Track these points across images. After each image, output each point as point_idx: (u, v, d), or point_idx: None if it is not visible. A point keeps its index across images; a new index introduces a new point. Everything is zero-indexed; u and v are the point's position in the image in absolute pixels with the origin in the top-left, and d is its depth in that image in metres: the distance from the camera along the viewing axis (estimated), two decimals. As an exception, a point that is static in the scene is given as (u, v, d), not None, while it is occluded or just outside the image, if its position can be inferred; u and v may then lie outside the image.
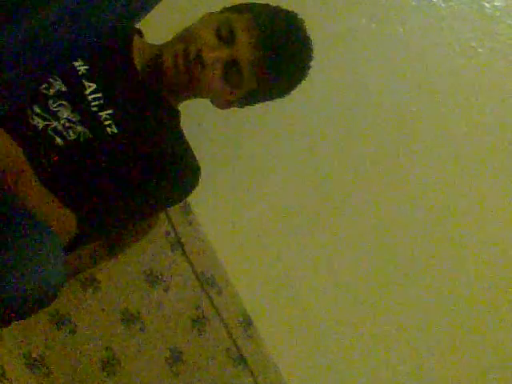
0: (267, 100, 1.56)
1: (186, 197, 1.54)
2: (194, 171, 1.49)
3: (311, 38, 1.49)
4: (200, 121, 1.85)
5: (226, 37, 1.41)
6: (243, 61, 1.41)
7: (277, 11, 1.48)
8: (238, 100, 1.52)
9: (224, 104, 1.54)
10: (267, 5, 1.49)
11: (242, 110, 1.58)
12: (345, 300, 1.98)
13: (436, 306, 2.01)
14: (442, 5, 2.00)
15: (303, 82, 1.51)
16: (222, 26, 1.42)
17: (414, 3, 2.00)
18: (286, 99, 1.55)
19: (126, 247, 1.60)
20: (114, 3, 1.06)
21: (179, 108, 1.53)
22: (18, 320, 1.14)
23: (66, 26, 1.05)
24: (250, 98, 1.52)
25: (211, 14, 1.50)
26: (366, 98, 2.00)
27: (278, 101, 1.56)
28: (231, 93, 1.47)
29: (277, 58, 1.42)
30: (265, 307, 1.89)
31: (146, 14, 1.18)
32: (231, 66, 1.41)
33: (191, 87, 1.44)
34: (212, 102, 1.55)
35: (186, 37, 1.43)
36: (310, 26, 1.49)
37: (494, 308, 2.02)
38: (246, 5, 1.50)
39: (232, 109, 1.57)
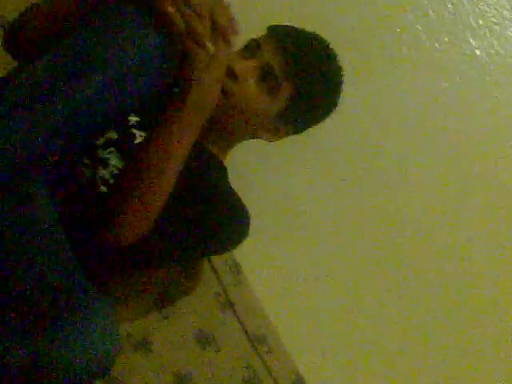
0: (314, 115, 1.54)
1: (235, 244, 1.49)
2: (243, 217, 1.46)
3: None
4: (246, 177, 1.86)
5: (252, 51, 1.44)
6: (274, 63, 1.41)
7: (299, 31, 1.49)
8: (283, 115, 1.48)
9: (272, 130, 1.51)
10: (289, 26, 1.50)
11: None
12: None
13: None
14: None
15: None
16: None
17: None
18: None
19: (173, 301, 1.60)
20: (150, 68, 1.08)
21: (226, 164, 1.53)
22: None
23: (109, 94, 1.07)
24: (293, 112, 1.48)
25: None
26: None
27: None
28: (271, 102, 1.45)
29: (306, 61, 1.43)
30: (317, 367, 1.87)
31: None
32: (264, 73, 1.41)
33: (228, 109, 1.41)
34: (261, 136, 1.53)
35: None
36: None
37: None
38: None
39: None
